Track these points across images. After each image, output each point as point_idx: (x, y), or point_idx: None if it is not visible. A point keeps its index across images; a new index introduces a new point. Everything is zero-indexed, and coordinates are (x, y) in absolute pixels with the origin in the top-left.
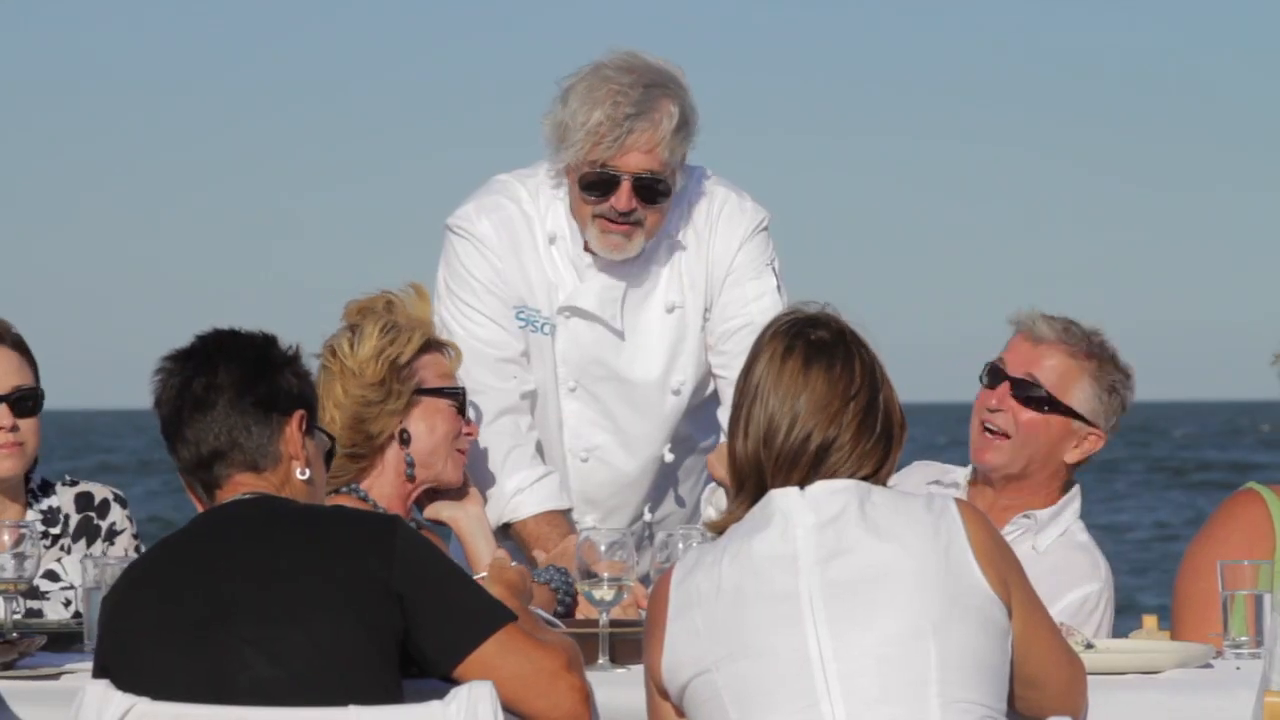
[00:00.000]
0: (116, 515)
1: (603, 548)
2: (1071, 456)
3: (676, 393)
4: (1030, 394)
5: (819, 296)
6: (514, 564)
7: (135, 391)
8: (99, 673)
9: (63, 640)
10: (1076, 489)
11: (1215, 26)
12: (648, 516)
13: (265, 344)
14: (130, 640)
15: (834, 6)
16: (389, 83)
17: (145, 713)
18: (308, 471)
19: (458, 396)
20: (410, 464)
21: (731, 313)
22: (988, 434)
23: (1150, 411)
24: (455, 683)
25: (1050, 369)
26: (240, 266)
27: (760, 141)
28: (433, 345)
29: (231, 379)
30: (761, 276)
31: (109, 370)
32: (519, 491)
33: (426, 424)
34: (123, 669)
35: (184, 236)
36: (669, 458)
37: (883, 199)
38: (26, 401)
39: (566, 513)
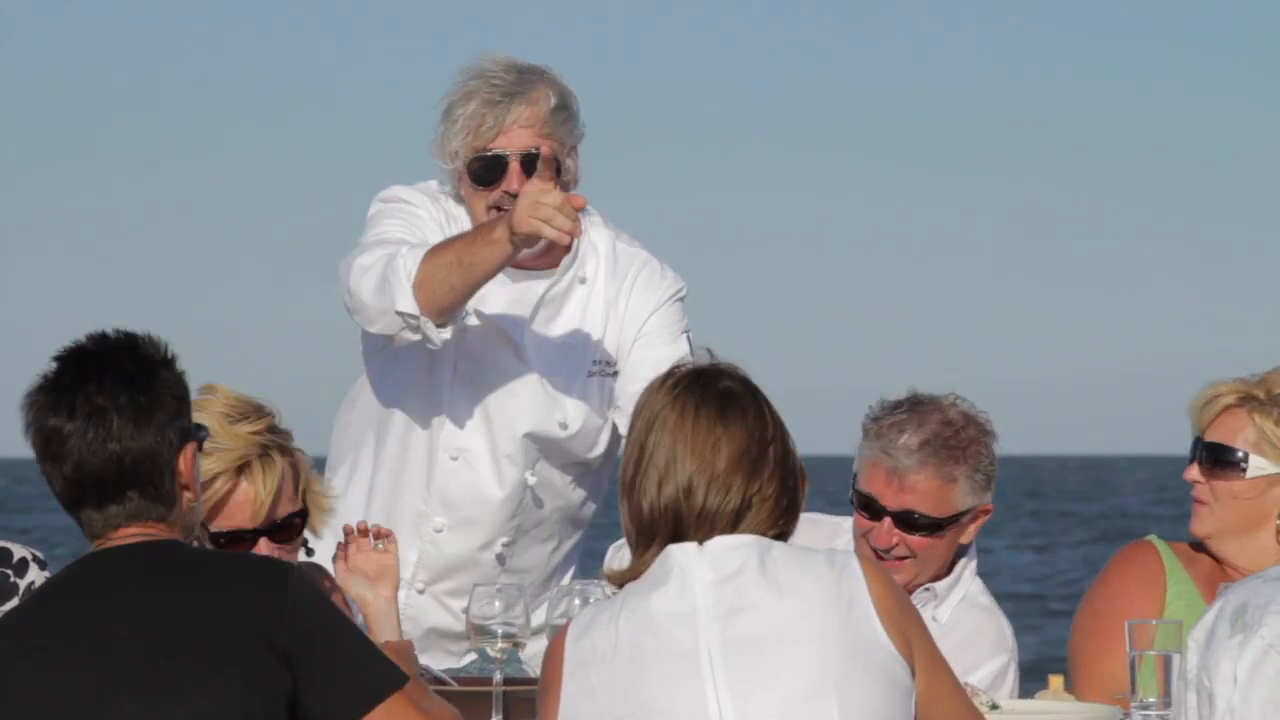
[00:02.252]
0: (35, 575)
1: (497, 604)
2: (968, 537)
3: (564, 427)
4: (916, 524)
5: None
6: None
7: None
8: None
9: None
10: (971, 547)
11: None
12: (505, 538)
13: (161, 364)
14: (7, 702)
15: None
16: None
17: None
18: (197, 501)
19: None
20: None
21: (643, 374)
22: (886, 560)
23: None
24: None
25: (925, 496)
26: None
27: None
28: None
29: (126, 415)
30: (676, 342)
31: None
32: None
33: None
34: None
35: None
36: (531, 480)
37: (769, 252)
38: None
39: None
